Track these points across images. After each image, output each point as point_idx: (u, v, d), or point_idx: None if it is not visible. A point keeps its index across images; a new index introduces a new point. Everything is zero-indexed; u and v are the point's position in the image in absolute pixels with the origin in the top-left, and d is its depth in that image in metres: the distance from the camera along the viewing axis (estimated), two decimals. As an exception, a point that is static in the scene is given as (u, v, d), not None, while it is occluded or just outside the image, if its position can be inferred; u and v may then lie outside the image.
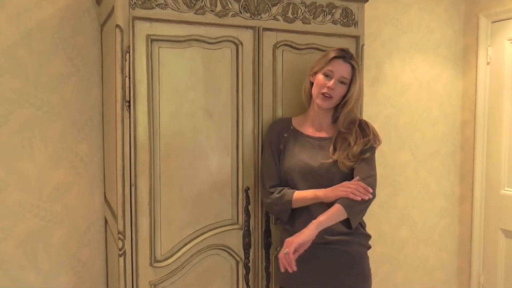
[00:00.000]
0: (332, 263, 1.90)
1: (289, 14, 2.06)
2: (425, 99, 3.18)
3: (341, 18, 2.16)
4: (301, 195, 1.89)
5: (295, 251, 1.70)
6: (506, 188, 3.08)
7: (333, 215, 1.79)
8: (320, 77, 1.90)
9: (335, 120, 1.98)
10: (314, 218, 1.79)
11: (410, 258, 3.23)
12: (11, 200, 2.21)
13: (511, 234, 3.07)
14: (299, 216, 1.92)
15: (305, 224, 1.79)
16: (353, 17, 2.18)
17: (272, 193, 1.94)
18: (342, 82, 1.89)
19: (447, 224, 3.34)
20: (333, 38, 2.14)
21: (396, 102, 3.09)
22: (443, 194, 3.31)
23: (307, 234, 1.73)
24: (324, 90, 1.88)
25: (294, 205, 1.91)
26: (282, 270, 1.72)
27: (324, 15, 2.12)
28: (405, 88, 3.11)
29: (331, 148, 1.92)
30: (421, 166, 3.21)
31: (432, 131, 3.23)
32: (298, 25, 2.08)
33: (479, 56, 3.17)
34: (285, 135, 1.99)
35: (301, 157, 1.93)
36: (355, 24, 2.18)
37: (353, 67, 1.89)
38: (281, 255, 1.72)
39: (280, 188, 1.94)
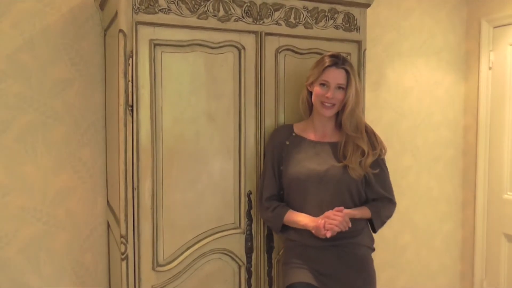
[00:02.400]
0: (342, 265, 1.91)
1: (291, 19, 2.07)
2: (427, 103, 3.18)
3: (343, 23, 2.16)
4: (291, 218, 1.93)
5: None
6: (508, 193, 3.08)
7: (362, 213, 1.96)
8: (317, 88, 1.91)
9: (338, 125, 1.99)
10: None
11: (412, 263, 3.22)
12: (14, 205, 2.22)
13: (514, 238, 3.07)
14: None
15: (302, 234, 1.88)
16: (355, 22, 2.18)
17: (268, 208, 1.97)
18: (339, 88, 1.91)
19: (450, 228, 3.33)
20: (335, 43, 2.15)
21: (398, 106, 3.09)
22: (445, 199, 3.31)
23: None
24: (325, 102, 1.90)
25: (286, 224, 1.95)
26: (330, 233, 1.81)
27: (326, 20, 2.13)
28: (407, 92, 3.12)
29: (340, 152, 1.93)
30: (423, 171, 3.21)
31: (434, 136, 3.23)
32: (300, 30, 2.08)
33: (481, 61, 3.17)
34: (287, 143, 1.99)
35: (305, 164, 1.93)
36: (357, 29, 2.19)
37: (347, 72, 1.90)
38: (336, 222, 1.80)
39: (274, 205, 1.96)
